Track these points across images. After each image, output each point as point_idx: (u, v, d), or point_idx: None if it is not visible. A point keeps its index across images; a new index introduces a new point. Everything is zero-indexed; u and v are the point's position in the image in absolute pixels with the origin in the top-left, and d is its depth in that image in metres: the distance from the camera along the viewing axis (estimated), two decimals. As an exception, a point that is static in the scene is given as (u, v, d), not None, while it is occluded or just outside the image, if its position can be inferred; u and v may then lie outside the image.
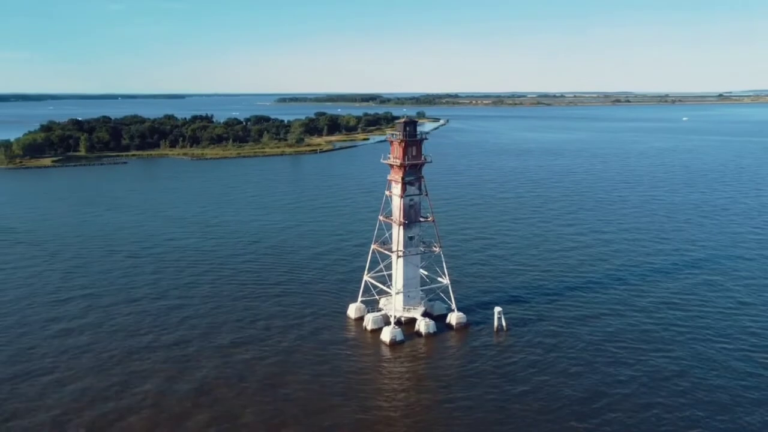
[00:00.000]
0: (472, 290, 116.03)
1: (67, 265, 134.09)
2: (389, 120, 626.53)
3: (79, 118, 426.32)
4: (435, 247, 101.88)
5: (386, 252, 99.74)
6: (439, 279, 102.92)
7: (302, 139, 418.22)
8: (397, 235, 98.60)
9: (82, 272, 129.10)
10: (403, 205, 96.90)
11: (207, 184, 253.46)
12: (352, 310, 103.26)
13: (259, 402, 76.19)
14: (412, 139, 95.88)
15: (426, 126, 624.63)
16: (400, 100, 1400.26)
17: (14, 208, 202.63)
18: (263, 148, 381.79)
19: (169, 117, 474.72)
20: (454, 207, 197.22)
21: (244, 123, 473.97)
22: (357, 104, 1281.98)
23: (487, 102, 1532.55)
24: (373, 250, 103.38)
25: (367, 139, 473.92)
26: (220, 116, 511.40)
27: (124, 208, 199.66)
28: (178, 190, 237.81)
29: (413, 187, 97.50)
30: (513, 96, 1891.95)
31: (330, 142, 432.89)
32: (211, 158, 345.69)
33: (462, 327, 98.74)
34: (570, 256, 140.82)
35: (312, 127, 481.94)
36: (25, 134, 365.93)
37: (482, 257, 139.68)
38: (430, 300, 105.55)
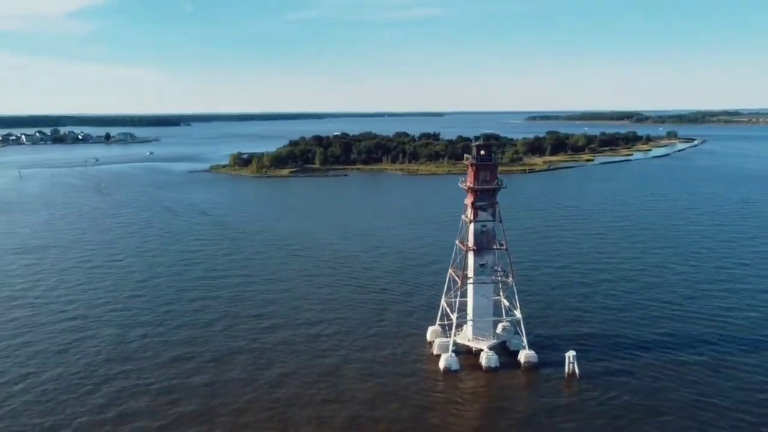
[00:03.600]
0: (549, 327, 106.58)
1: (253, 256, 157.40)
2: (629, 140, 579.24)
3: (335, 134, 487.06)
4: (508, 277, 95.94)
5: (457, 278, 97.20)
6: (515, 312, 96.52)
7: (519, 159, 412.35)
8: (469, 261, 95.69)
9: (261, 262, 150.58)
10: (475, 230, 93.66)
11: (397, 197, 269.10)
12: (430, 333, 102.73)
13: (301, 401, 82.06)
14: (484, 163, 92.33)
15: (673, 147, 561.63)
16: (661, 118, 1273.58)
17: (233, 208, 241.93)
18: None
19: (401, 134, 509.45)
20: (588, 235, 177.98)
21: (473, 141, 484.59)
22: (611, 122, 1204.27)
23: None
24: (450, 274, 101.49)
25: (592, 160, 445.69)
26: (469, 133, 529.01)
27: (309, 213, 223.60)
28: (367, 201, 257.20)
29: (485, 213, 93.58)
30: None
31: (548, 162, 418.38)
32: (422, 174, 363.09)
33: (530, 367, 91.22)
34: (680, 306, 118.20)
35: (536, 147, 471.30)
36: (278, 148, 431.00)
37: (569, 293, 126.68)
38: (511, 333, 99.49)
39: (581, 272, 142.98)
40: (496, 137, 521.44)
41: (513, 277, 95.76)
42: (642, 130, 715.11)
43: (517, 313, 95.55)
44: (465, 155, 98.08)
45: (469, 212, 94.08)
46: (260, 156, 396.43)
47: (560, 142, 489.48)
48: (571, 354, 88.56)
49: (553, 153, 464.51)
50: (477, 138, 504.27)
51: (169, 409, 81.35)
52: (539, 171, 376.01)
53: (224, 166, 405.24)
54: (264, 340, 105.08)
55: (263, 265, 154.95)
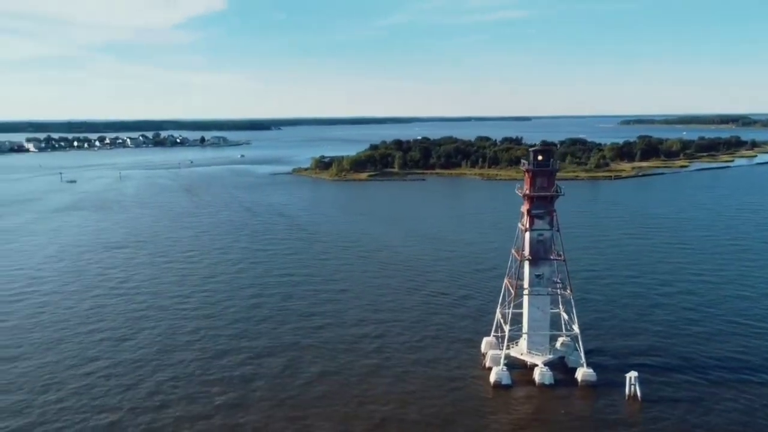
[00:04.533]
0: (610, 344, 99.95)
1: (320, 256, 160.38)
2: (731, 145, 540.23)
3: (416, 138, 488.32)
4: (566, 289, 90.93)
5: (512, 288, 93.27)
6: (573, 326, 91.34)
7: (606, 164, 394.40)
8: (525, 271, 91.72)
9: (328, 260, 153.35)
10: (531, 239, 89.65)
11: (472, 202, 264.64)
12: (484, 344, 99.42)
13: (338, 400, 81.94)
14: (541, 169, 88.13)
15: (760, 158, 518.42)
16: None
17: (309, 210, 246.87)
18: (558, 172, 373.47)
19: (483, 138, 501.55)
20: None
21: (557, 145, 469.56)
22: (712, 126, 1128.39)
23: None
24: (505, 284, 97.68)
25: (686, 166, 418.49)
26: (554, 138, 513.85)
27: (382, 216, 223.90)
28: (442, 206, 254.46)
29: (542, 221, 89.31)
30: None
31: (637, 168, 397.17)
32: (501, 179, 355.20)
33: (588, 386, 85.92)
34: (761, 325, 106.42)
35: (625, 152, 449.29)
36: (359, 152, 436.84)
37: (635, 307, 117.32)
38: (571, 348, 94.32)
39: (653, 285, 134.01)
40: (583, 142, 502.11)
41: (571, 290, 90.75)
42: (747, 135, 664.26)
43: (575, 328, 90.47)
44: (522, 161, 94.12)
45: (525, 220, 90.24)
46: (340, 160, 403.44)
47: (652, 146, 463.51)
48: (632, 375, 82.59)
49: (644, 158, 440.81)
50: (562, 142, 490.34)
51: (210, 400, 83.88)
52: (626, 177, 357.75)
53: (306, 169, 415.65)
54: (315, 337, 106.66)
55: (328, 265, 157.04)
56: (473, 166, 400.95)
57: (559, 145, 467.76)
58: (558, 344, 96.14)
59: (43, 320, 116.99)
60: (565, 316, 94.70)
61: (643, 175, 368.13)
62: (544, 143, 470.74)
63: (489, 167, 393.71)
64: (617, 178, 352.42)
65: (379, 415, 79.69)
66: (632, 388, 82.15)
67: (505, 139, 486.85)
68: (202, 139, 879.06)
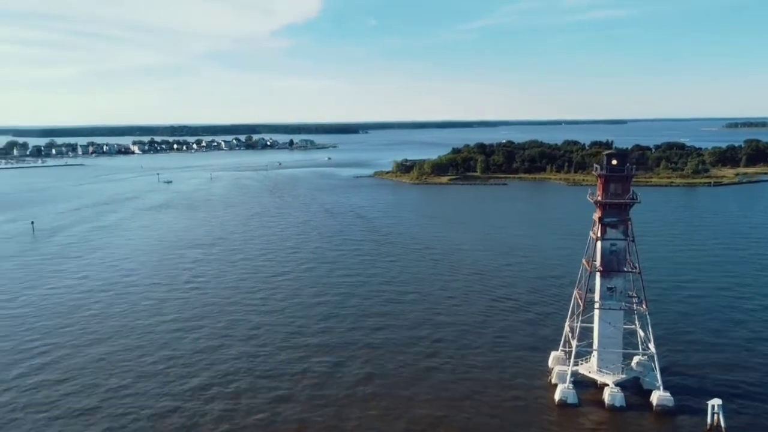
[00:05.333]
0: (691, 368, 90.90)
1: (393, 259, 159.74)
2: None
3: (500, 141, 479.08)
4: (641, 304, 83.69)
5: (581, 300, 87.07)
6: (649, 345, 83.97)
7: (705, 170, 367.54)
8: (596, 283, 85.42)
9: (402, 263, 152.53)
10: (603, 249, 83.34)
11: (554, 208, 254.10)
12: (551, 358, 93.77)
13: (383, 404, 79.98)
14: (614, 174, 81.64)
15: None
16: None
17: (386, 213, 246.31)
18: (651, 177, 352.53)
19: (570, 142, 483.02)
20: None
21: (651, 150, 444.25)
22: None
23: None
24: (575, 296, 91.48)
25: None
26: (649, 142, 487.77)
27: (460, 221, 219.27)
28: (522, 211, 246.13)
29: (615, 230, 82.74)
30: None
31: (741, 174, 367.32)
32: (587, 184, 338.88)
33: (663, 411, 78.57)
34: None
35: (728, 156, 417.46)
36: (440, 155, 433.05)
37: (723, 325, 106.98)
38: (648, 369, 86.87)
39: (745, 300, 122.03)
40: (681, 146, 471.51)
41: (646, 305, 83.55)
42: None
43: (651, 347, 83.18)
44: (594, 165, 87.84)
45: (597, 228, 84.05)
46: (422, 163, 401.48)
47: (760, 151, 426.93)
48: (716, 402, 74.68)
49: (750, 164, 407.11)
50: (657, 146, 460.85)
51: (259, 393, 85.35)
52: (728, 184, 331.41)
53: (387, 173, 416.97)
54: (373, 336, 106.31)
55: (396, 267, 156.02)
56: (558, 170, 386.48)
57: (653, 150, 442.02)
58: (633, 363, 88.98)
59: (122, 310, 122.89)
60: (640, 332, 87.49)
61: (748, 182, 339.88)
62: (637, 147, 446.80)
63: (575, 172, 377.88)
64: (717, 184, 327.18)
65: (427, 421, 77.19)
66: (715, 417, 74.34)
67: (594, 143, 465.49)
68: (291, 142, 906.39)
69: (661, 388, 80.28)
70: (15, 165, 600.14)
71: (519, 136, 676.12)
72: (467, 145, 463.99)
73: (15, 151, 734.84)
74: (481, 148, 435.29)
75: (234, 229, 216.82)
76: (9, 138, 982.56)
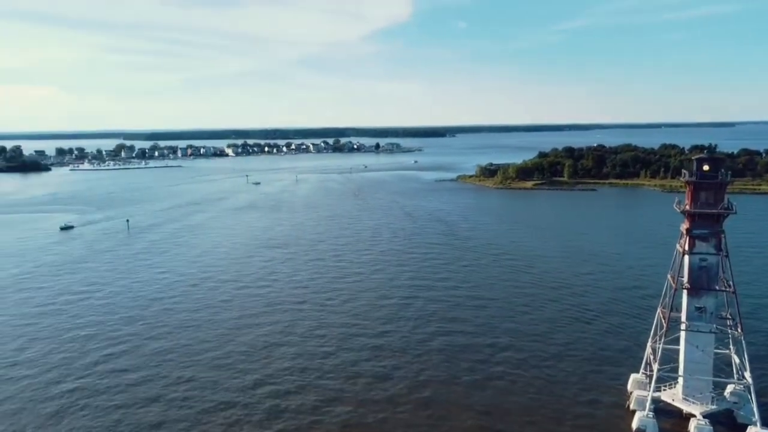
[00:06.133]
0: None
1: (469, 264, 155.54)
2: None
3: (591, 145, 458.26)
4: (735, 328, 74.53)
5: (664, 319, 78.99)
6: (745, 373, 74.70)
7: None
8: (683, 302, 77.18)
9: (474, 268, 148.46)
10: (691, 264, 75.17)
11: (646, 216, 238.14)
12: (631, 382, 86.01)
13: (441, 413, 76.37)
14: (706, 181, 73.32)
15: None
16: None
17: (467, 217, 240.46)
18: (760, 185, 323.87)
19: (668, 146, 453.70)
20: None
21: (761, 155, 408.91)
22: None
23: None
24: (658, 314, 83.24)
25: None
26: (759, 146, 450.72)
27: (542, 228, 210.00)
28: (611, 219, 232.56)
29: (706, 244, 74.35)
30: None
31: None
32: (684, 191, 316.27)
33: (760, 450, 69.59)
34: None
35: None
36: (526, 160, 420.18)
37: None
38: (744, 400, 77.49)
39: None
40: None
41: (741, 328, 74.43)
42: None
43: (747, 375, 74.03)
44: (683, 171, 79.61)
45: (685, 241, 75.97)
46: (506, 167, 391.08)
47: None
48: (822, 444, 65.15)
49: None
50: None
51: (316, 391, 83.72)
52: None
53: (470, 177, 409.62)
54: (437, 341, 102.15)
55: (473, 273, 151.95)
56: (653, 176, 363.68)
57: (764, 154, 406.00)
58: (726, 393, 79.77)
59: (193, 305, 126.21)
60: (735, 359, 78.29)
61: None
62: (745, 151, 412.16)
63: (672, 178, 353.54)
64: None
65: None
66: (821, 462, 64.78)
67: (695, 147, 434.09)
68: (377, 146, 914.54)
69: (759, 423, 71.22)
70: (122, 166, 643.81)
71: (612, 140, 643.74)
72: (555, 149, 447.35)
73: (123, 153, 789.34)
74: (569, 152, 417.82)
75: (312, 231, 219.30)
76: (119, 141, 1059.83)
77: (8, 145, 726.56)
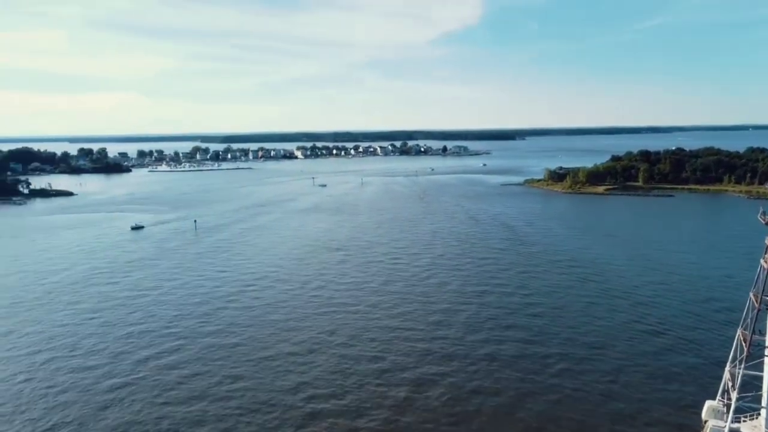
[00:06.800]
0: None
1: (533, 273, 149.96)
2: None
3: (671, 148, 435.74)
4: (828, 355, 66.03)
5: (744, 342, 71.33)
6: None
7: None
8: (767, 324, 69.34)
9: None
10: (775, 281, 67.41)
11: (731, 226, 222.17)
12: (706, 409, 78.42)
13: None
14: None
15: None
16: None
17: (533, 223, 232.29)
18: None
19: (757, 150, 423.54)
20: None
21: None
22: None
23: None
24: (738, 335, 75.36)
25: None
26: None
27: (615, 235, 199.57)
28: (690, 228, 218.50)
29: (793, 258, 66.35)
30: None
31: None
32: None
33: None
34: None
35: None
36: (597, 163, 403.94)
37: None
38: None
39: None
40: None
41: (834, 357, 65.98)
42: None
43: (840, 410, 65.55)
44: (768, 177, 71.63)
45: (768, 255, 68.30)
46: (576, 171, 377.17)
47: None
48: None
49: None
50: None
51: (357, 396, 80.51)
52: None
53: (538, 181, 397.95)
54: (491, 349, 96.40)
55: (533, 281, 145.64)
56: (738, 182, 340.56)
57: None
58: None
59: (247, 304, 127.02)
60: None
61: None
62: None
63: (759, 184, 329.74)
64: None
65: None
66: None
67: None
68: (444, 149, 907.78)
69: None
70: (196, 168, 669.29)
71: (694, 143, 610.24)
72: (629, 153, 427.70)
73: (198, 156, 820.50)
74: (645, 155, 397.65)
75: (372, 233, 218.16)
76: (196, 143, 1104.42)
77: (95, 147, 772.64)
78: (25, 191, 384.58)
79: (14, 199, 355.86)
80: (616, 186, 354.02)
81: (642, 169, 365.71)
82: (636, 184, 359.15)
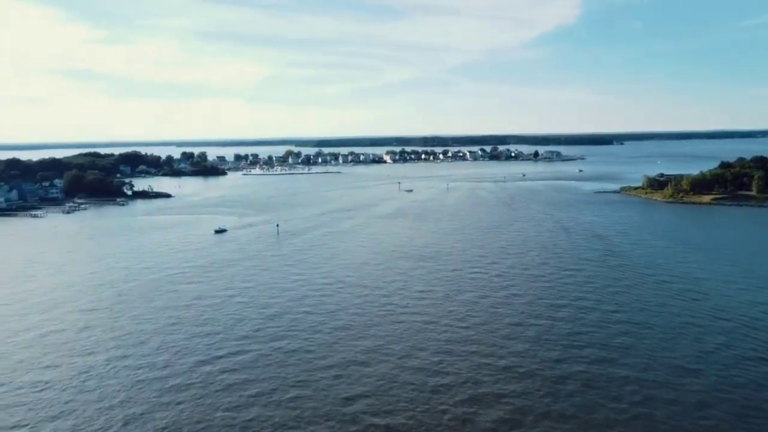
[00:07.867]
0: None
1: (626, 288, 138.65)
2: None
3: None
4: None
5: None
6: None
7: None
8: None
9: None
10: None
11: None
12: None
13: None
14: None
15: None
16: None
17: (630, 234, 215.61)
18: None
19: None
20: None
21: None
22: None
23: None
24: None
25: None
26: None
27: (718, 250, 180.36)
28: None
29: None
30: None
31: None
32: None
33: None
34: None
35: None
36: (704, 171, 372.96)
37: None
38: None
39: None
40: None
41: None
42: None
43: None
44: None
45: None
46: (679, 179, 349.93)
47: None
48: None
49: None
50: None
51: (420, 414, 74.66)
52: None
53: (635, 188, 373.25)
54: (577, 369, 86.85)
55: (627, 295, 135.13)
56: None
57: None
58: None
59: (312, 309, 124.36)
60: None
61: None
62: None
63: None
64: None
65: None
66: None
67: None
68: (536, 154, 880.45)
69: None
70: (287, 171, 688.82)
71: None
72: (741, 159, 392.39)
73: (290, 159, 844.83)
74: (761, 162, 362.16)
75: (453, 240, 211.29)
76: (290, 147, 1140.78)
77: (197, 151, 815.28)
78: (129, 192, 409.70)
79: (118, 200, 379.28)
80: (725, 195, 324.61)
81: (756, 176, 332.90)
82: (749, 193, 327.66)
